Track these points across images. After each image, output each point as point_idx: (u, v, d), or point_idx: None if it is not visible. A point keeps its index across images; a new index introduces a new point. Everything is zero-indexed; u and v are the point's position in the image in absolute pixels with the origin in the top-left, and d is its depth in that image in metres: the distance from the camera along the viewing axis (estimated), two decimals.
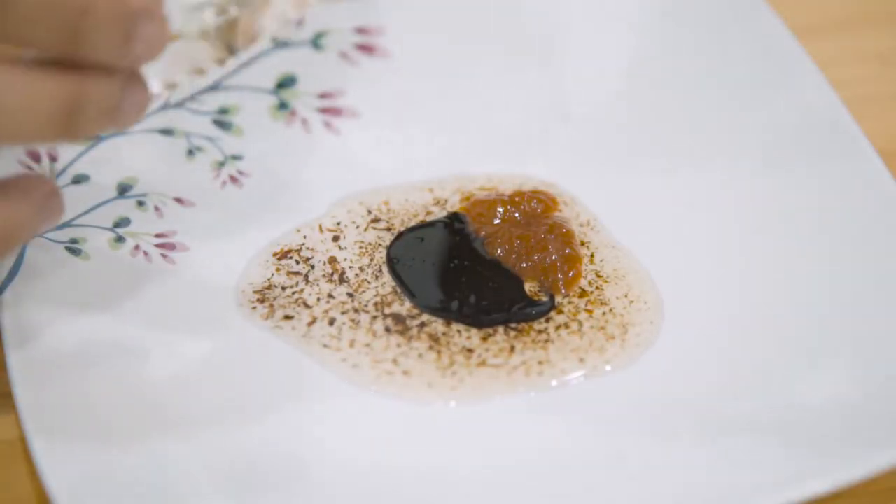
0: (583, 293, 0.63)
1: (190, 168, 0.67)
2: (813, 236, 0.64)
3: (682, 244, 0.65)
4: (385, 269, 0.64)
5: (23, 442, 0.55)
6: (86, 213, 0.64)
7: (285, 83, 0.69)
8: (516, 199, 0.66)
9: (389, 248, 0.65)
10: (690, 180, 0.68)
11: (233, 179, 0.67)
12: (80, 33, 0.44)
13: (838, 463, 0.54)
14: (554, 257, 0.63)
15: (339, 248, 0.65)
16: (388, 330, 0.61)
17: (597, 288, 0.63)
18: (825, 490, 0.53)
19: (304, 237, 0.66)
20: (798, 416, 0.57)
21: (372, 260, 0.65)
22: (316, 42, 0.70)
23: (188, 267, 0.63)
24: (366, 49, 0.71)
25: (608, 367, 0.60)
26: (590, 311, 0.62)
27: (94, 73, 0.46)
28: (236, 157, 0.68)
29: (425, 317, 0.62)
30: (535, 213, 0.65)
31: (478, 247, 0.65)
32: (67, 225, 0.63)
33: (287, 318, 0.62)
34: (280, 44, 0.69)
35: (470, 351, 0.60)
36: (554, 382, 0.60)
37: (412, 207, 0.67)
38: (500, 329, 0.61)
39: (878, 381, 0.57)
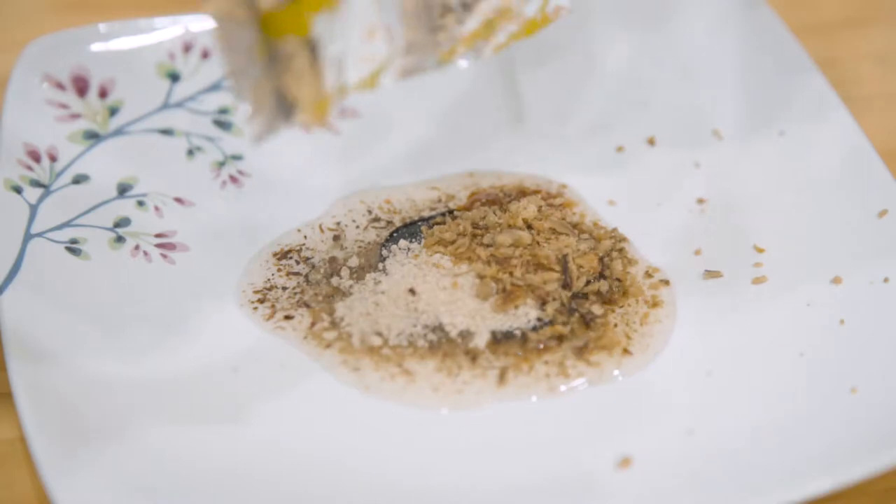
0: (589, 294, 0.62)
1: (190, 168, 0.67)
2: (814, 238, 0.64)
3: (690, 245, 0.65)
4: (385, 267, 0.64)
5: (23, 442, 0.55)
6: (86, 213, 0.63)
7: None
8: (519, 198, 0.66)
9: (383, 246, 0.65)
10: (694, 182, 0.68)
11: (233, 179, 0.67)
12: None
13: (838, 463, 0.54)
14: (557, 258, 0.63)
15: (340, 248, 0.65)
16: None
17: (603, 286, 0.63)
18: (825, 490, 0.53)
19: (305, 237, 0.66)
20: (798, 416, 0.57)
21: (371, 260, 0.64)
22: None
23: (188, 267, 0.63)
24: None
25: (616, 370, 0.60)
26: (597, 313, 0.62)
27: None
28: (236, 157, 0.68)
29: (429, 319, 0.62)
30: (538, 213, 0.65)
31: (478, 246, 0.64)
32: (67, 225, 0.63)
33: (288, 318, 0.62)
34: None
35: (475, 354, 0.60)
36: (562, 387, 0.59)
37: (413, 206, 0.67)
38: (504, 331, 0.61)
39: (878, 381, 0.58)
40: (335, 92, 0.55)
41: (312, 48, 0.54)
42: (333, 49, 0.54)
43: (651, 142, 0.71)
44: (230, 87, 0.54)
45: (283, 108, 0.54)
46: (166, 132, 0.68)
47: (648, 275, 0.64)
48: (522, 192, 0.67)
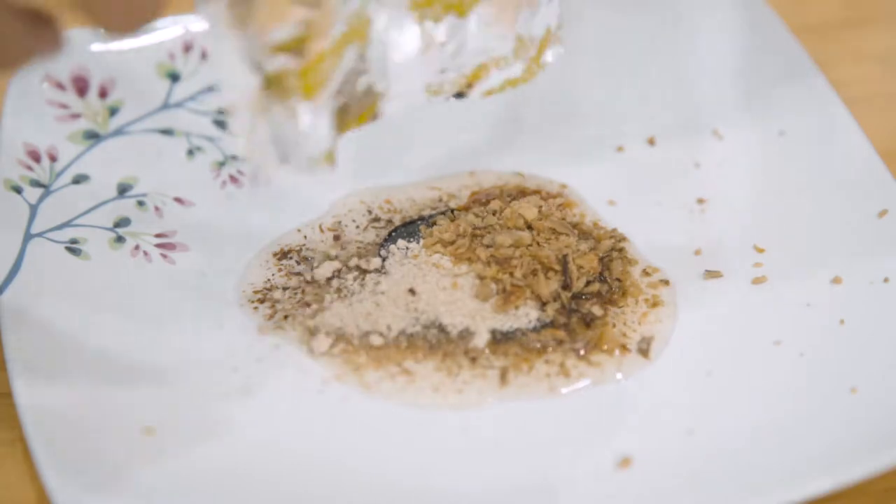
0: (589, 296, 0.62)
1: (190, 168, 0.67)
2: (814, 238, 0.64)
3: (690, 245, 0.65)
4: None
5: (23, 442, 0.55)
6: (86, 213, 0.64)
7: None
8: (518, 199, 0.66)
9: (381, 246, 0.65)
10: (694, 182, 0.68)
11: (233, 179, 0.67)
12: None
13: (838, 463, 0.54)
14: (557, 258, 0.63)
15: (340, 247, 0.65)
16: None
17: (602, 288, 0.63)
18: (825, 490, 0.53)
19: (305, 237, 0.66)
20: (798, 416, 0.57)
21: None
22: None
23: (188, 267, 0.63)
24: None
25: (617, 370, 0.60)
26: (597, 314, 0.62)
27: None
28: (236, 157, 0.68)
29: (429, 319, 0.62)
30: (538, 213, 0.65)
31: (478, 247, 0.64)
32: (67, 225, 0.63)
33: (288, 318, 0.62)
34: None
35: (475, 354, 0.60)
36: (563, 388, 0.59)
37: (413, 206, 0.67)
38: (504, 331, 0.61)
39: (878, 381, 0.58)
40: (335, 140, 0.57)
41: (315, 108, 0.55)
42: (334, 104, 0.56)
43: (651, 142, 0.71)
44: (236, 141, 0.55)
45: (284, 155, 0.56)
46: (166, 132, 0.68)
47: (647, 274, 0.64)
48: (522, 192, 0.67)
